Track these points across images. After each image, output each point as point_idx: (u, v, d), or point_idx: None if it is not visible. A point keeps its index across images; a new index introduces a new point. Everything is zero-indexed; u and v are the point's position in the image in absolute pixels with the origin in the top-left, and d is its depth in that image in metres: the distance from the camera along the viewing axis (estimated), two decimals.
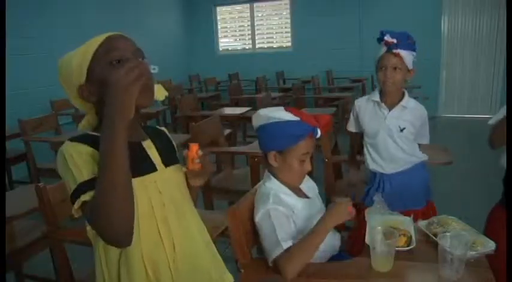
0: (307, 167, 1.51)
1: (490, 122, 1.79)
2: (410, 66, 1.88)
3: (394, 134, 1.95)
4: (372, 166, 2.04)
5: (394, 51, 1.83)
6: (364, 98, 2.09)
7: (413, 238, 1.42)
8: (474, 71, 7.22)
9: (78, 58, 1.01)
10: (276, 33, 8.59)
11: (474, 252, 1.31)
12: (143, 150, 1.08)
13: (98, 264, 1.05)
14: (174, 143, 1.24)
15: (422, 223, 1.53)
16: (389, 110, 1.96)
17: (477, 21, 7.03)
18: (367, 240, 1.42)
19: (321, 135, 1.47)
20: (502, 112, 1.71)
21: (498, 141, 1.74)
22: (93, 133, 1.04)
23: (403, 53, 1.84)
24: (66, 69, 1.03)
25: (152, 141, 1.12)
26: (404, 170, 1.99)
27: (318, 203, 1.62)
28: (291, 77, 7.90)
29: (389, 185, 2.00)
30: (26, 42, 4.84)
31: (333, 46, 7.64)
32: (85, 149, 0.96)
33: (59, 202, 1.72)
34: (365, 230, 1.48)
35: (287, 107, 1.52)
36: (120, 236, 0.91)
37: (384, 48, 1.86)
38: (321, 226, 1.38)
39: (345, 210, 1.40)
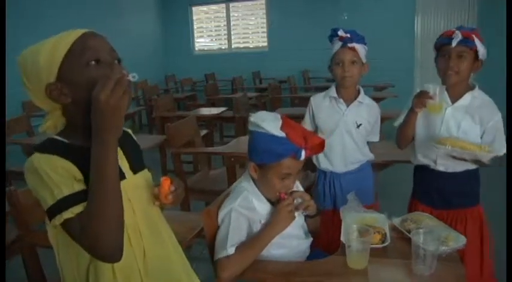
0: (289, 184, 1.44)
1: (395, 123, 1.88)
2: (364, 60, 1.91)
3: (352, 130, 1.95)
4: (323, 165, 2.03)
5: (350, 45, 1.85)
6: (321, 94, 2.07)
7: (388, 235, 1.45)
8: None
9: (47, 55, 0.93)
10: (252, 33, 8.60)
11: (446, 248, 1.35)
12: None
13: (66, 270, 1.02)
14: (139, 145, 1.20)
15: (396, 220, 1.56)
16: (347, 106, 1.97)
17: (449, 21, 7.18)
18: (342, 238, 1.44)
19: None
20: (404, 115, 1.83)
21: (403, 143, 1.89)
22: (60, 138, 0.99)
23: (357, 46, 1.86)
24: (31, 66, 0.94)
25: (120, 146, 1.06)
26: (353, 170, 2.00)
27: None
28: (267, 76, 7.91)
29: (339, 184, 2.00)
30: None
31: (308, 46, 7.64)
32: (58, 162, 0.92)
33: (31, 206, 1.67)
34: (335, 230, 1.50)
35: (284, 116, 1.42)
36: (115, 250, 0.92)
37: (338, 44, 1.87)
38: (266, 234, 1.39)
39: (288, 215, 1.40)
